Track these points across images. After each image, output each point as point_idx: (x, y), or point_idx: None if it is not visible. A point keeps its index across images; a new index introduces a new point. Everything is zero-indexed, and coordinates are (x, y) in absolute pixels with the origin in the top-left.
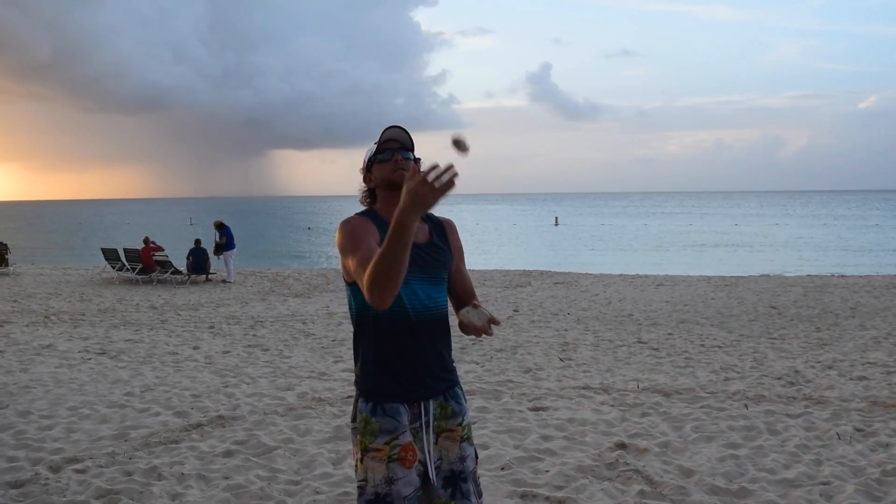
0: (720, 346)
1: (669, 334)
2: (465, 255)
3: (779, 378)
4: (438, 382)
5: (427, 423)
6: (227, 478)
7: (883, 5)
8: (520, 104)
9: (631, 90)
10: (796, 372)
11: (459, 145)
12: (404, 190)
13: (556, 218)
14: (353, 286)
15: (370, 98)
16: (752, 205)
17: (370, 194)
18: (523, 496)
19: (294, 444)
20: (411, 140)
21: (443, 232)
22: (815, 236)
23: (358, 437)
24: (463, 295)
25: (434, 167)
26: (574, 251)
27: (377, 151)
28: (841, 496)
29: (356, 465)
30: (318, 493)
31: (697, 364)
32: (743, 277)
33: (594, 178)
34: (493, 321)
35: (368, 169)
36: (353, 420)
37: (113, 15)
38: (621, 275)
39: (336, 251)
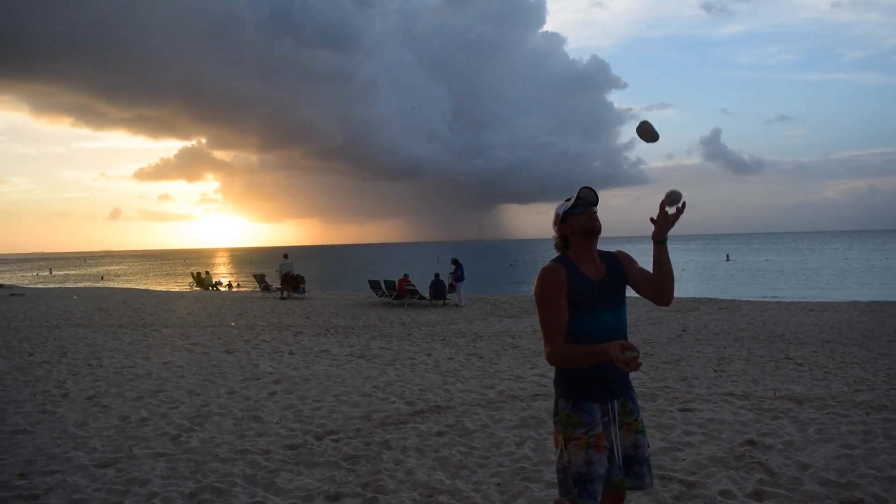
0: (858, 363)
1: (814, 352)
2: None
3: None
4: (621, 387)
5: (613, 417)
6: (436, 451)
7: None
8: (695, 162)
9: (790, 148)
10: None
11: (672, 199)
12: (614, 357)
13: (728, 254)
14: None
15: (574, 162)
16: None
17: (563, 240)
18: (661, 478)
19: (489, 429)
20: (597, 197)
21: (615, 261)
22: None
23: (561, 428)
24: (650, 278)
25: (636, 355)
26: (740, 282)
27: (574, 206)
28: None
29: (560, 451)
30: (501, 466)
31: (834, 377)
32: (887, 303)
33: (760, 220)
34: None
35: (564, 220)
36: (556, 415)
37: (385, 109)
38: (778, 301)
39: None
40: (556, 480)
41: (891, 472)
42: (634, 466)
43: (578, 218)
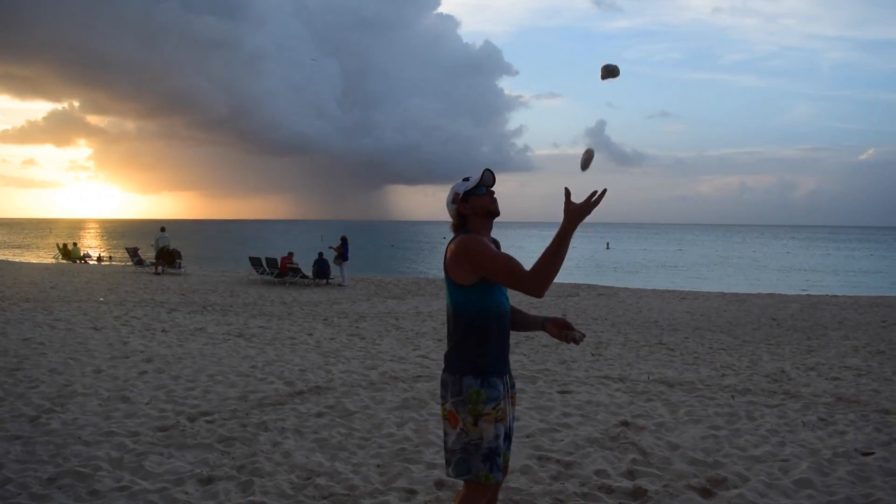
0: (724, 349)
1: (685, 338)
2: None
3: (766, 376)
4: (509, 361)
5: (507, 391)
6: (315, 433)
7: (883, 76)
8: (580, 152)
9: (669, 143)
10: (783, 372)
11: (611, 72)
12: (568, 209)
13: (608, 243)
14: (469, 289)
15: (463, 146)
16: (768, 236)
17: (461, 219)
18: (539, 458)
19: (370, 410)
20: (494, 180)
21: (498, 245)
22: (817, 263)
23: (469, 406)
24: None
25: (594, 193)
26: (618, 270)
27: (476, 186)
28: (795, 471)
29: (465, 429)
30: (381, 447)
31: (703, 362)
32: (751, 294)
33: (640, 211)
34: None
35: (464, 199)
36: (458, 394)
37: (272, 82)
38: (653, 289)
39: (448, 262)
40: (435, 462)
41: (752, 451)
42: (512, 437)
43: (480, 199)
